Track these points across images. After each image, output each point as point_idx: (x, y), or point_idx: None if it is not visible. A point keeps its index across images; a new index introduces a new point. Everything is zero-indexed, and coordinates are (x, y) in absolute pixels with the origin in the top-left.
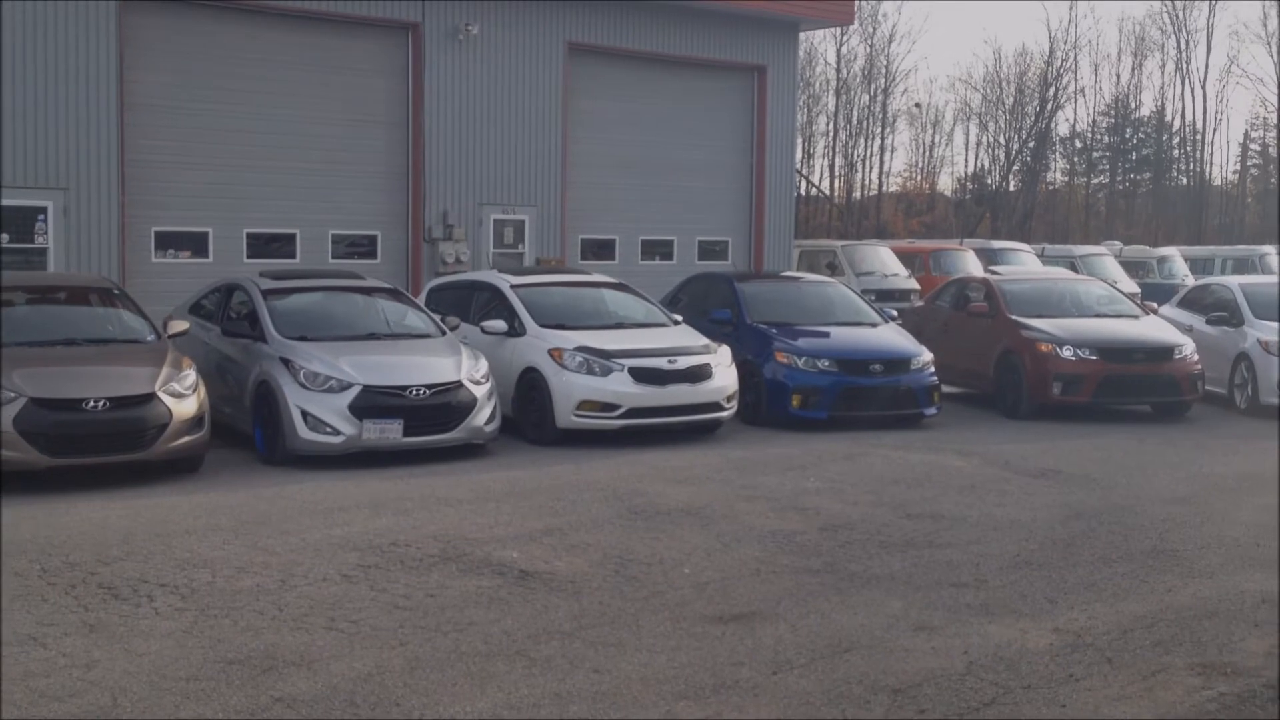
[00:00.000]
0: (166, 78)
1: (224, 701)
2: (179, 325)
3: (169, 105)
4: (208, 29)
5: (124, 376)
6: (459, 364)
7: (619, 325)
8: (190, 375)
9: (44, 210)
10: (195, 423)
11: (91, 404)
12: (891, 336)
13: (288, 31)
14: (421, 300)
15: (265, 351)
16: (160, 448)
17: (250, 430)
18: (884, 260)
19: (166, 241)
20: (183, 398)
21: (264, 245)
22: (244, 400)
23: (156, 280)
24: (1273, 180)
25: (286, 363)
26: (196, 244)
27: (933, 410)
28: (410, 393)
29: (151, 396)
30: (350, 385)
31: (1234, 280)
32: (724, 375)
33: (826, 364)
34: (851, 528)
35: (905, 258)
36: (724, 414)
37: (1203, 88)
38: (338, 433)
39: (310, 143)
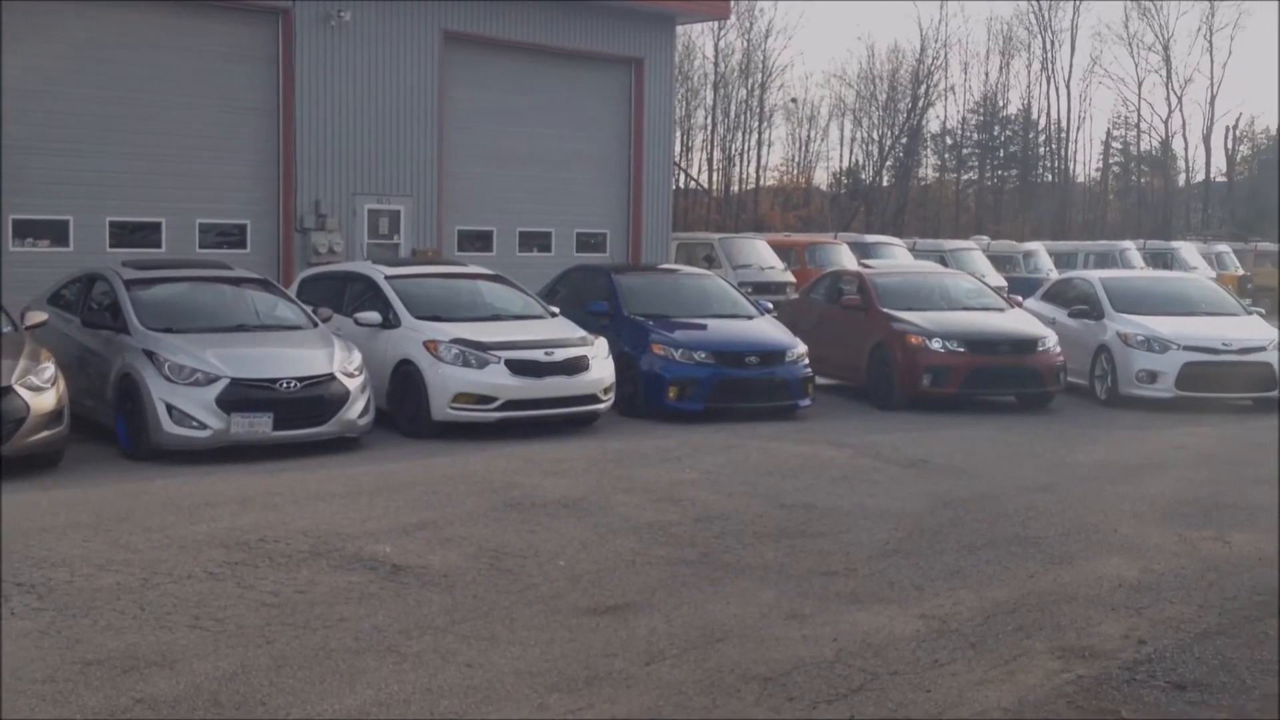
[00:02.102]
0: (24, 60)
1: (81, 703)
2: (37, 316)
3: (27, 89)
4: (68, 9)
5: None
6: (331, 356)
7: (496, 317)
8: (49, 368)
9: None
10: (54, 417)
11: None
12: (767, 329)
13: (152, 14)
14: (293, 291)
15: (128, 343)
16: (17, 443)
17: (113, 424)
18: (760, 253)
19: (25, 230)
20: (41, 391)
21: (128, 234)
22: (106, 393)
23: (14, 270)
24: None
25: (150, 355)
26: (56, 232)
27: (807, 402)
28: (280, 385)
29: (8, 390)
30: (217, 378)
31: (1095, 275)
32: (601, 367)
33: (703, 356)
34: (726, 518)
35: (781, 251)
36: (601, 406)
37: (1067, 87)
38: (204, 427)
39: (176, 129)
